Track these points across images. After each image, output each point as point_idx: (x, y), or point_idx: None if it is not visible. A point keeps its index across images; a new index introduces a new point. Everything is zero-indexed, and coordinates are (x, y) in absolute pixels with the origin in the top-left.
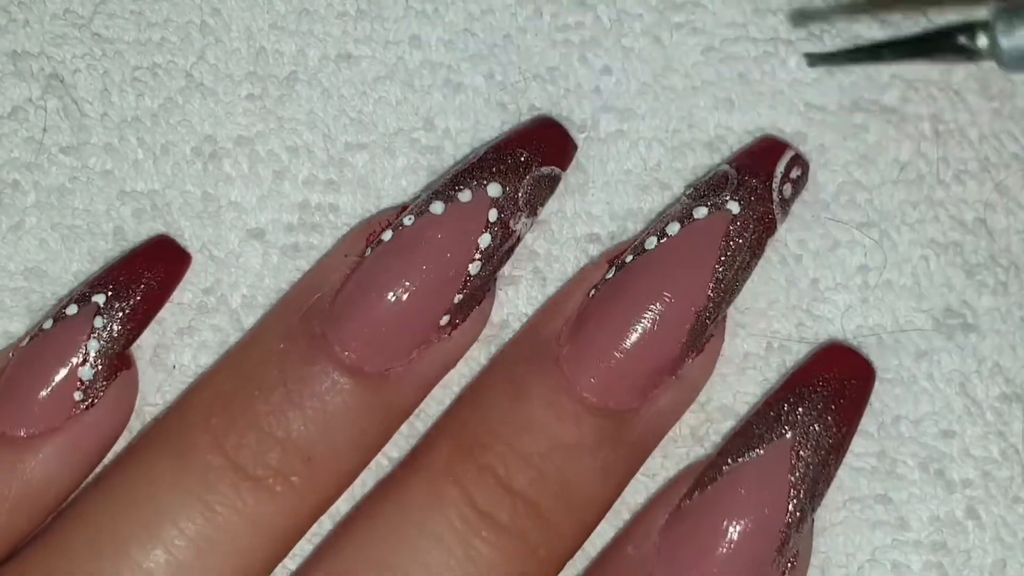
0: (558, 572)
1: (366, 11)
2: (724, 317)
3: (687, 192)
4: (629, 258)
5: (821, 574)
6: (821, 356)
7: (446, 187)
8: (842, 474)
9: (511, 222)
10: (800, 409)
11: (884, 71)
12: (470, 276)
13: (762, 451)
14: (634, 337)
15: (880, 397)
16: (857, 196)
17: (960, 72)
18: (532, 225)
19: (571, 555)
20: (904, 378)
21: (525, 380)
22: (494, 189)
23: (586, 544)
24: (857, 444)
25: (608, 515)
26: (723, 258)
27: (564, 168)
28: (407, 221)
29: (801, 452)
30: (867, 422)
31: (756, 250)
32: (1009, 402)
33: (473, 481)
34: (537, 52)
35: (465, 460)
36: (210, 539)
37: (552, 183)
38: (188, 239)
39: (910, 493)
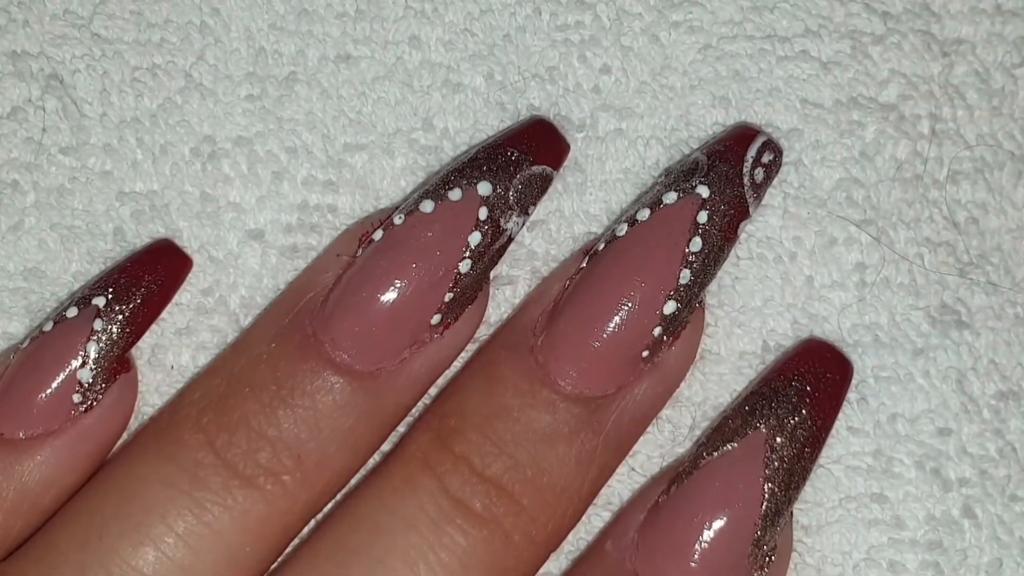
0: (539, 560)
1: (365, 11)
2: (702, 305)
3: (659, 179)
4: (601, 246)
5: (817, 573)
6: (798, 351)
7: (437, 186)
8: (838, 472)
9: (502, 221)
10: (775, 402)
11: (883, 67)
12: (460, 274)
13: (736, 444)
14: (606, 323)
15: (876, 395)
16: (854, 193)
17: (961, 68)
18: (524, 225)
19: (552, 544)
20: (901, 376)
21: (500, 370)
22: (484, 187)
23: (583, 545)
24: (853, 442)
25: (606, 516)
26: (693, 242)
27: (556, 168)
28: (397, 220)
29: (775, 445)
30: (863, 420)
31: (728, 234)
32: (1006, 400)
33: (447, 469)
34: (536, 52)
35: (440, 449)
36: (199, 537)
37: (544, 182)
38: (187, 240)
39: (906, 492)
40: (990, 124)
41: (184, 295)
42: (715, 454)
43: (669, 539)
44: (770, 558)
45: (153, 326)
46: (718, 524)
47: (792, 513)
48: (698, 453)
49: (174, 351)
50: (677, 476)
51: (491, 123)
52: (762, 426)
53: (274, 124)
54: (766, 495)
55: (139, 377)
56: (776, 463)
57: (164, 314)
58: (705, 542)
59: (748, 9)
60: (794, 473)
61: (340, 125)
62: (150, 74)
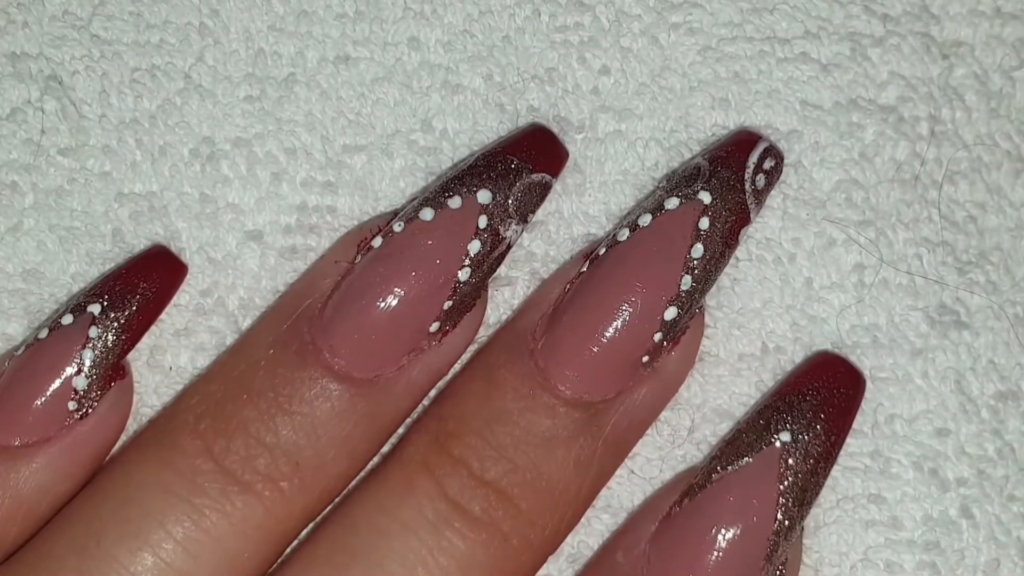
0: (537, 563)
1: (364, 12)
2: (701, 311)
3: (661, 184)
4: (602, 250)
5: (814, 574)
6: (812, 365)
7: (436, 194)
8: (836, 473)
9: (501, 229)
10: (789, 418)
11: (882, 69)
12: (460, 283)
13: (751, 459)
14: (606, 328)
15: (875, 396)
16: (854, 194)
17: (960, 70)
18: (522, 232)
19: (550, 547)
20: (899, 376)
21: (500, 373)
22: (484, 196)
23: (583, 547)
24: (851, 443)
25: (606, 519)
26: (695, 248)
27: (555, 175)
28: (397, 228)
29: (790, 460)
30: (861, 421)
31: (729, 240)
32: (1004, 400)
33: (446, 472)
34: (536, 53)
35: (439, 452)
36: (198, 543)
37: (543, 190)
38: (186, 241)
39: (904, 492)
40: (988, 126)
41: (183, 296)
42: (729, 468)
43: (682, 551)
44: (782, 571)
45: (152, 327)
46: (732, 538)
47: (803, 525)
48: (712, 466)
49: (172, 352)
50: (690, 489)
51: (490, 124)
52: (777, 441)
53: (273, 125)
54: (780, 510)
55: (137, 378)
56: (791, 478)
57: (163, 315)
58: (718, 555)
59: (748, 11)
60: (808, 488)
61: (339, 126)
62: (149, 75)
